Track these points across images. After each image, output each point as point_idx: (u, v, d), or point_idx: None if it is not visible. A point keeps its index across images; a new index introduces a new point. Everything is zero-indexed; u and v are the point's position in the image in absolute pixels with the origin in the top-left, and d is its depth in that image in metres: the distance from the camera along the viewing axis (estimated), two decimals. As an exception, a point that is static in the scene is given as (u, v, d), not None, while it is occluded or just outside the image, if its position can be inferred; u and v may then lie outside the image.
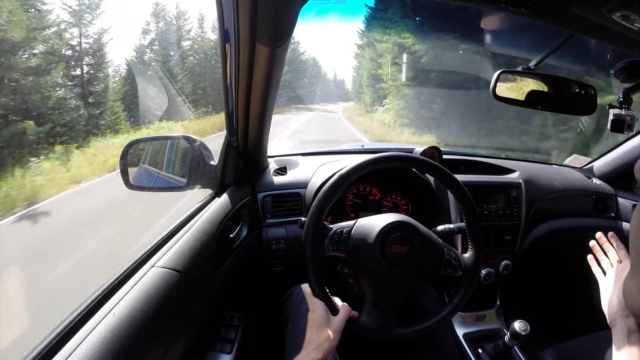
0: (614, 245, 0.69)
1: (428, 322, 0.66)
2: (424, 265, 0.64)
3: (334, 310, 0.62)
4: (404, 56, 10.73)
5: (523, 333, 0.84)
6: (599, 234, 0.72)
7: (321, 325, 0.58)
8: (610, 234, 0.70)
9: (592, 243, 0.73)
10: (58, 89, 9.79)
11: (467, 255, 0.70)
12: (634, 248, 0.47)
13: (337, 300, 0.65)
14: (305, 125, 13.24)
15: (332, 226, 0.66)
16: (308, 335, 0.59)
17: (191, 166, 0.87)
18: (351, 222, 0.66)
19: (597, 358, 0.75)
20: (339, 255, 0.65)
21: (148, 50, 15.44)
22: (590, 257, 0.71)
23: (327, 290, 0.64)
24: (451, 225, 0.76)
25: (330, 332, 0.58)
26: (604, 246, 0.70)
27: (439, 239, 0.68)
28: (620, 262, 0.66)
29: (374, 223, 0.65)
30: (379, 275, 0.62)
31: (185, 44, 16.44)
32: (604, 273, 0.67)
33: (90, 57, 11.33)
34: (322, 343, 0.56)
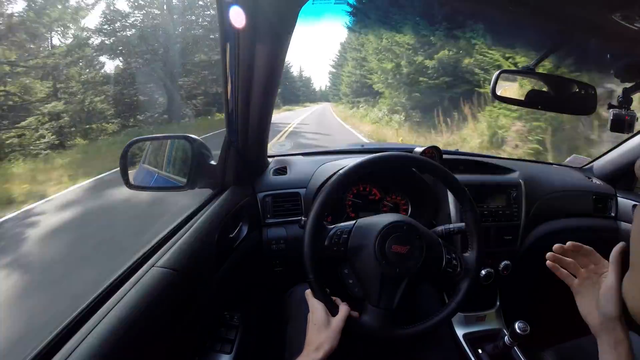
0: (581, 250, 0.60)
1: (428, 322, 0.66)
2: (423, 265, 0.64)
3: (333, 310, 0.62)
4: (404, 56, 10.69)
5: (523, 333, 0.84)
6: (556, 246, 0.61)
7: (321, 326, 0.59)
8: (569, 244, 0.61)
9: (550, 256, 0.62)
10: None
11: (467, 254, 0.70)
12: (635, 248, 0.46)
13: (337, 301, 0.65)
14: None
15: (331, 226, 0.66)
16: (308, 336, 0.59)
17: (191, 166, 0.87)
18: (351, 223, 0.66)
19: (597, 358, 0.75)
20: (339, 256, 0.65)
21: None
22: (549, 263, 0.62)
23: (327, 290, 0.64)
24: (451, 226, 0.75)
25: (329, 333, 0.58)
26: (567, 254, 0.61)
27: (439, 239, 0.68)
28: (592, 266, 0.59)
29: (374, 223, 0.65)
30: (378, 276, 0.62)
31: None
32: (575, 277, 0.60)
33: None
34: (322, 344, 0.56)
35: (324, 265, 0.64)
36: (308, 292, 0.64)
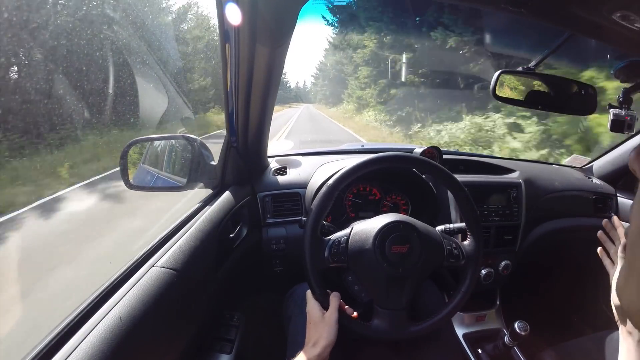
0: (619, 232, 0.66)
1: (439, 314, 0.66)
2: (425, 260, 0.64)
3: (327, 306, 0.63)
4: (403, 56, 10.69)
5: (523, 333, 0.84)
6: (605, 221, 0.69)
7: (317, 322, 0.59)
8: (615, 219, 0.67)
9: (599, 233, 0.70)
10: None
11: (467, 242, 0.70)
12: (632, 246, 0.46)
13: (330, 295, 0.65)
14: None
15: (328, 238, 0.66)
16: (307, 335, 0.60)
17: (191, 166, 0.87)
18: (347, 231, 0.66)
19: (597, 358, 0.75)
20: (341, 266, 0.65)
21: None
22: (599, 249, 0.68)
23: (328, 291, 0.64)
24: (451, 226, 0.76)
25: (324, 327, 0.58)
26: (611, 234, 0.67)
27: (437, 232, 0.68)
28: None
29: (370, 227, 0.64)
30: (383, 278, 0.62)
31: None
32: (614, 263, 0.64)
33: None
34: (319, 339, 0.57)
35: (328, 276, 0.64)
36: (309, 292, 0.65)
